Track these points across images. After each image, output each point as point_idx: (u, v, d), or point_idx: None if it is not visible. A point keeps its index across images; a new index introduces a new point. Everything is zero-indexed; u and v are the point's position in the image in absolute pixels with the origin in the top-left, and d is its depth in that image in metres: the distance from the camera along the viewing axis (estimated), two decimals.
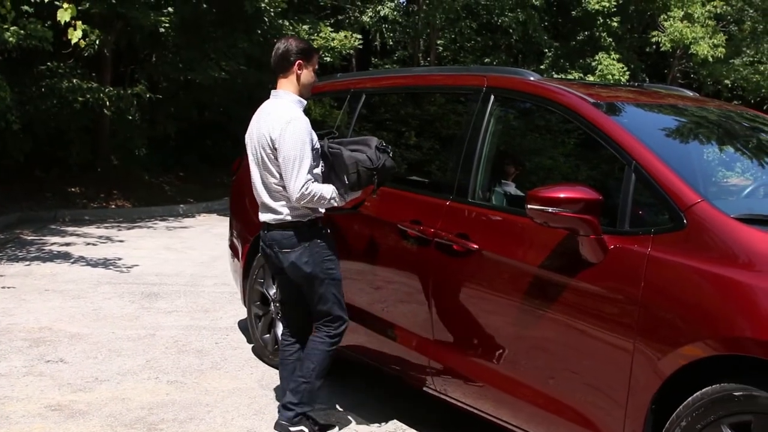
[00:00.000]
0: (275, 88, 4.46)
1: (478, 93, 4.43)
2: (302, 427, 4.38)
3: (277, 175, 4.26)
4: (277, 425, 4.44)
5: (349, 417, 4.87)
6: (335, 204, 4.32)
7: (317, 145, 4.35)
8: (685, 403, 3.13)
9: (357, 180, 4.30)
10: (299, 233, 4.33)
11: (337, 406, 5.02)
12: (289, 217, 4.32)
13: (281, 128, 4.20)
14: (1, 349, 5.97)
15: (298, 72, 4.39)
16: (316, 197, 4.21)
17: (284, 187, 4.24)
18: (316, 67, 4.51)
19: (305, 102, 4.46)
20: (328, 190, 4.28)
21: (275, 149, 4.21)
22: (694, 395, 3.10)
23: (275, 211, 4.35)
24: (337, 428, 4.69)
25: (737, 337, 2.97)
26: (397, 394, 5.16)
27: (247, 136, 4.50)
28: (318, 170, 4.37)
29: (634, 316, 3.29)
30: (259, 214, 4.47)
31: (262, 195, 4.40)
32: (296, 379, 4.43)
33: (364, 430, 4.70)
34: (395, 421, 4.84)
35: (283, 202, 4.30)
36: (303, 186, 4.15)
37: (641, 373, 3.26)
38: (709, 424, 3.05)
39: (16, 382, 5.29)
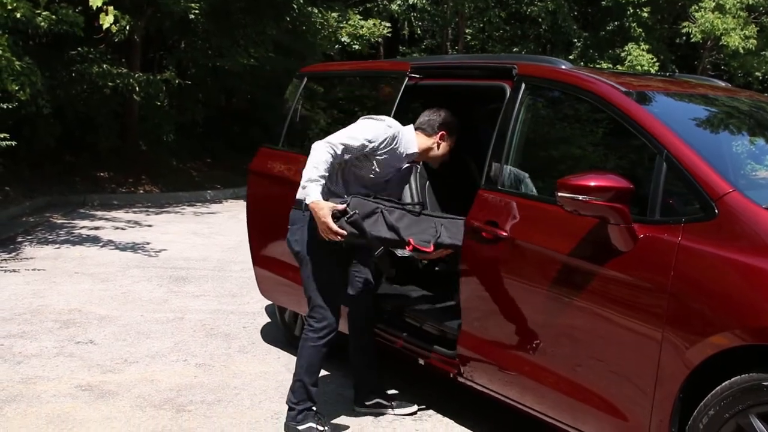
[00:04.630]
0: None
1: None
2: (310, 424, 4.30)
3: None
4: (285, 426, 4.37)
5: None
6: (302, 187, 4.15)
7: (381, 157, 4.33)
8: (713, 392, 3.13)
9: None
10: (300, 212, 4.30)
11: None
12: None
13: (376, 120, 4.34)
14: (32, 330, 6.06)
15: (439, 141, 4.49)
16: (310, 160, 4.12)
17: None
18: (452, 145, 4.55)
19: (415, 156, 4.49)
20: (310, 171, 4.09)
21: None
22: (723, 384, 3.10)
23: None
24: (359, 411, 4.73)
25: (765, 327, 2.96)
26: (416, 380, 5.18)
27: None
28: (354, 167, 4.36)
29: (663, 305, 3.28)
30: None
31: None
32: (294, 377, 4.38)
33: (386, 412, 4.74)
34: (416, 406, 4.86)
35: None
36: (323, 142, 4.14)
37: (669, 363, 3.26)
38: (736, 414, 3.05)
39: (47, 362, 5.36)
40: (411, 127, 4.51)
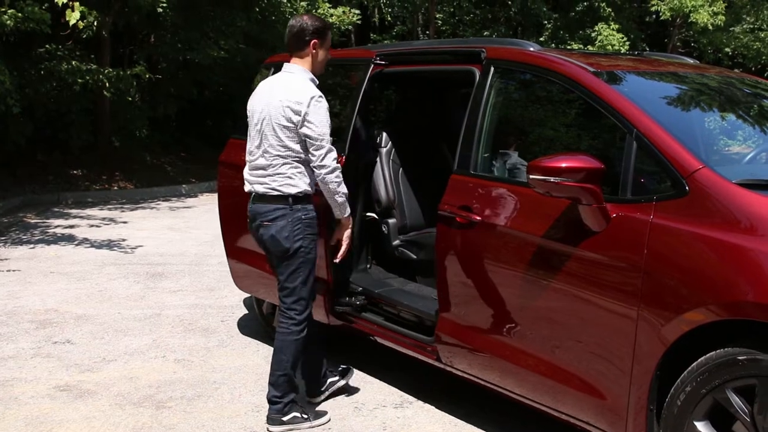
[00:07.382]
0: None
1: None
2: (294, 413, 4.34)
3: (288, 143, 4.24)
4: (268, 419, 4.36)
5: (353, 388, 4.91)
6: (339, 198, 4.36)
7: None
8: (689, 368, 3.14)
9: None
10: (287, 207, 4.31)
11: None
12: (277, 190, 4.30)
13: (308, 102, 4.18)
14: (8, 332, 6.00)
15: (313, 51, 4.37)
16: (336, 175, 4.27)
17: (298, 158, 4.26)
18: (330, 44, 4.51)
19: (317, 81, 4.40)
20: (341, 186, 4.34)
21: (301, 119, 4.18)
22: (699, 360, 3.12)
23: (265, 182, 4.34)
24: (340, 400, 4.72)
25: (739, 301, 2.98)
26: (401, 367, 5.18)
27: (249, 108, 4.46)
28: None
29: (637, 283, 3.29)
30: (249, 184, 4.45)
31: (257, 162, 4.36)
32: (274, 373, 4.36)
33: (368, 399, 4.74)
34: (399, 392, 4.87)
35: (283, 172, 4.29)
36: (330, 151, 4.22)
37: (645, 341, 3.27)
38: (713, 389, 3.06)
39: (24, 363, 5.32)
40: (291, 69, 4.39)
